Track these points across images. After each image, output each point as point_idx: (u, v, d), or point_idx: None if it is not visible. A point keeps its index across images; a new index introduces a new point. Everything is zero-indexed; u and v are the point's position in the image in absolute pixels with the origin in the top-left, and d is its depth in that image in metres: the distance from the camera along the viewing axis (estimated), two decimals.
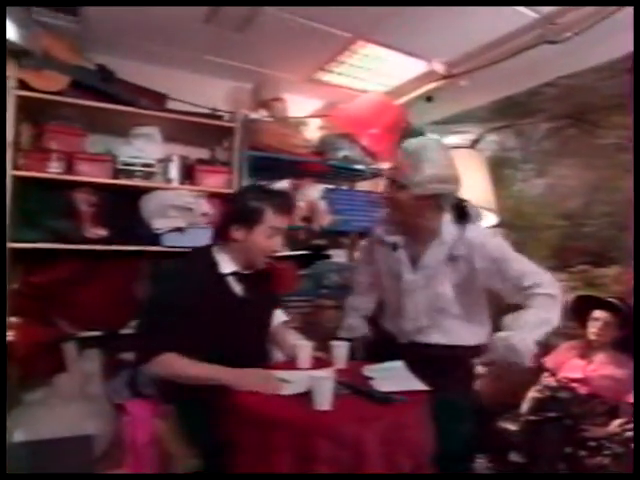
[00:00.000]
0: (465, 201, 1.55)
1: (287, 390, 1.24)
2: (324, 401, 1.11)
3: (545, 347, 2.54)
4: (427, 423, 1.21)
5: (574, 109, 2.52)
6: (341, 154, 2.45)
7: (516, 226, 2.96)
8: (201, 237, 1.78)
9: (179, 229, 2.02)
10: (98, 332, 1.98)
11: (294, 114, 2.60)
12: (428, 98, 2.66)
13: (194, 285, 1.35)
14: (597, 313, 2.21)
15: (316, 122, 2.72)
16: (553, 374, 2.27)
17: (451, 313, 1.54)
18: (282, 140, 2.33)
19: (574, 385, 2.10)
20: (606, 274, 2.51)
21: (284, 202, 1.46)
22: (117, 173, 2.06)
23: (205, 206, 2.11)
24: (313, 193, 2.50)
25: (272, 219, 1.39)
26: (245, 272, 1.46)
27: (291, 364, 1.51)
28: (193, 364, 1.30)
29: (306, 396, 1.16)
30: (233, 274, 1.44)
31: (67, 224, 1.89)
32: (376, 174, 2.79)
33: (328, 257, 2.68)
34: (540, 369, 2.35)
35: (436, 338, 1.57)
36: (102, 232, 1.94)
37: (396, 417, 1.12)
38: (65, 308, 1.93)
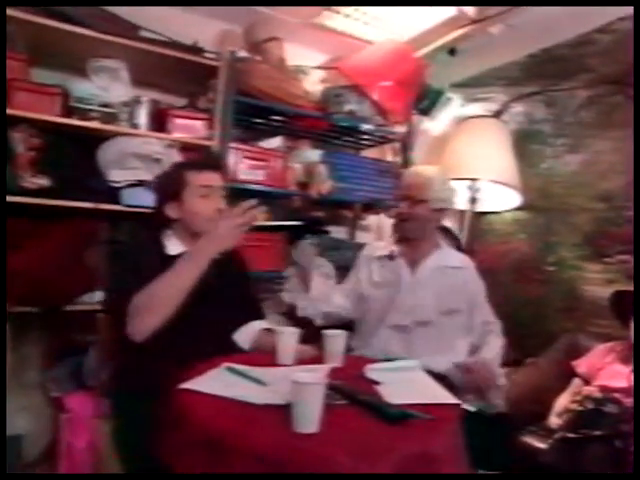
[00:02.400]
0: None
1: (259, 397, 0.86)
2: (309, 420, 0.73)
3: (574, 349, 2.20)
4: (463, 455, 0.83)
5: (626, 68, 2.11)
6: (346, 107, 2.05)
7: (542, 208, 2.58)
8: None
9: (142, 183, 1.62)
10: (36, 308, 1.59)
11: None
12: (451, 51, 2.25)
13: (141, 266, 1.18)
14: None
15: (318, 75, 2.31)
16: (587, 381, 1.90)
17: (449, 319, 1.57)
18: (277, 86, 1.92)
19: (616, 395, 1.74)
20: None
21: (205, 158, 1.41)
22: (69, 111, 1.66)
23: (177, 158, 1.71)
24: (311, 155, 2.11)
25: (197, 177, 1.25)
26: None
27: (267, 358, 1.13)
28: (161, 277, 1.12)
29: (285, 409, 0.78)
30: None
31: None
32: (385, 139, 2.40)
33: (326, 232, 2.28)
34: (570, 374, 2.00)
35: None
36: (43, 182, 1.54)
37: (419, 445, 0.74)
38: None
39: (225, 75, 1.86)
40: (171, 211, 1.25)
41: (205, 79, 1.91)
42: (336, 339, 1.12)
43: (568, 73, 2.27)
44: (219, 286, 1.23)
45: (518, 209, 2.64)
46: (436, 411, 0.84)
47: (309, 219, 2.19)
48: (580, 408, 1.59)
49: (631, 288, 2.01)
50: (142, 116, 1.78)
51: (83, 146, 1.67)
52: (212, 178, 1.27)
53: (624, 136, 2.28)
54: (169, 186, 1.26)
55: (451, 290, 1.57)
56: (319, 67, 2.29)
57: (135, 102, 1.78)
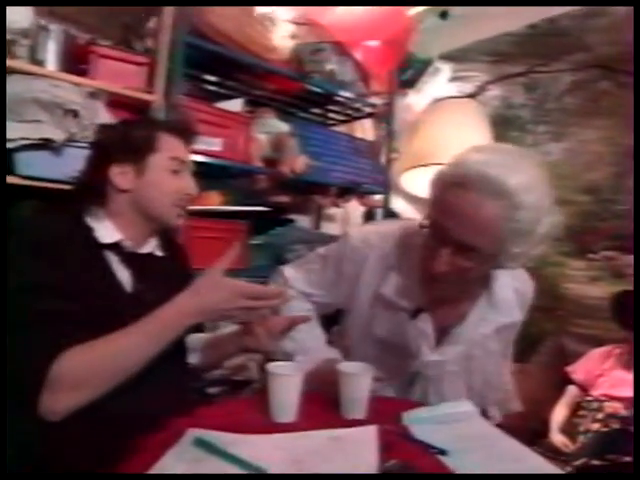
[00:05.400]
0: None
1: None
2: None
3: (561, 353, 2.05)
4: None
5: (624, 52, 1.94)
6: (327, 67, 1.66)
7: None
8: None
9: (47, 143, 1.12)
10: None
11: None
12: (443, 14, 1.95)
13: (61, 259, 0.76)
14: None
15: (287, 29, 1.89)
16: (585, 389, 1.72)
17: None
18: (241, 30, 1.48)
19: (619, 405, 1.56)
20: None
21: (182, 122, 1.02)
22: None
23: (103, 113, 1.22)
24: (280, 125, 1.70)
25: (172, 146, 0.89)
26: (136, 250, 0.87)
27: (252, 411, 0.74)
28: (109, 339, 0.72)
29: None
30: (116, 250, 0.84)
31: None
32: (360, 112, 2.05)
33: (292, 221, 1.90)
34: (562, 381, 1.82)
35: None
36: None
37: None
38: None
39: (173, 8, 1.39)
40: (121, 178, 0.84)
41: (146, 11, 1.42)
42: (359, 380, 0.74)
43: (562, 51, 2.07)
44: (158, 296, 0.81)
45: None
46: None
47: (273, 205, 1.78)
48: (604, 429, 1.38)
49: (622, 287, 1.87)
50: (50, 51, 1.26)
51: None
52: (187, 151, 0.93)
53: (612, 125, 2.14)
54: (128, 142, 0.85)
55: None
56: (292, 21, 1.87)
57: (40, 30, 1.26)
